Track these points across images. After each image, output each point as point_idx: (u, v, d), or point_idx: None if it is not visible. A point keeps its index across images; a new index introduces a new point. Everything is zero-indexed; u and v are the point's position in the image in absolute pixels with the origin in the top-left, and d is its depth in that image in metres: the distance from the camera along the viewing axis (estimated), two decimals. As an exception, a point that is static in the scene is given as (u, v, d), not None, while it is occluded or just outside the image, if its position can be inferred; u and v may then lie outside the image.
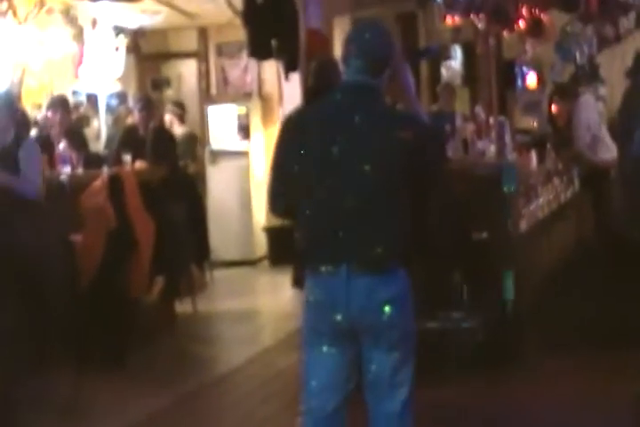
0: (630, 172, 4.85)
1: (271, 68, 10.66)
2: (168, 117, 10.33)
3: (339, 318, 3.44)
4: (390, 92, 3.62)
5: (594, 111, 9.50)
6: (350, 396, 3.59)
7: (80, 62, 10.08)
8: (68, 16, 9.48)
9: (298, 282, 6.47)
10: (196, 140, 10.75)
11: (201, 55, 12.02)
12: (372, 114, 3.48)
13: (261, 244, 10.88)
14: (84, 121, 9.79)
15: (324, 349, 3.51)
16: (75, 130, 8.81)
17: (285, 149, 3.56)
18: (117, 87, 11.10)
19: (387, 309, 3.41)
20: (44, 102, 8.93)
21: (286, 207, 3.60)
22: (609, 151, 9.25)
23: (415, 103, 3.71)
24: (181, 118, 10.47)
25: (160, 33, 11.60)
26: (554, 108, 10.38)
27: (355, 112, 3.47)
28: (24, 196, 5.91)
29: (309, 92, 6.21)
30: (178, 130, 10.24)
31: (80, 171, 7.66)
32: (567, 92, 9.82)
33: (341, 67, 3.65)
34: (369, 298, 3.40)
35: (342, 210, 3.42)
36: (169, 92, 12.16)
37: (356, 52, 3.53)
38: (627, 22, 11.28)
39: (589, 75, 10.88)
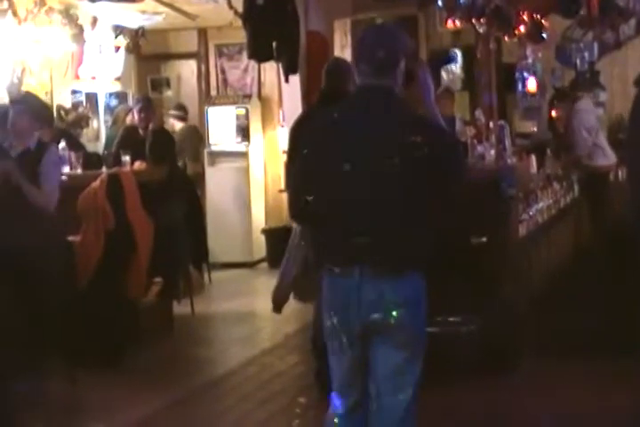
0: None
1: (271, 69, 10.67)
2: (171, 122, 10.34)
3: (350, 318, 3.48)
4: (408, 95, 3.62)
5: (592, 116, 9.51)
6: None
7: (80, 62, 10.07)
8: (68, 16, 9.46)
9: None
10: (198, 133, 10.76)
11: (201, 56, 12.03)
12: (384, 118, 3.47)
13: (260, 246, 10.88)
14: (84, 121, 9.77)
15: (340, 347, 3.56)
16: (66, 131, 8.79)
17: (305, 154, 3.62)
18: (117, 87, 11.10)
19: (396, 311, 3.43)
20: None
21: (307, 210, 3.61)
22: (606, 157, 9.26)
23: (432, 107, 3.67)
24: (184, 119, 10.48)
25: (160, 33, 11.59)
26: (554, 112, 10.41)
27: (368, 117, 3.48)
28: (37, 207, 5.94)
29: (322, 94, 6.17)
30: (178, 125, 10.28)
31: (79, 171, 7.65)
32: (567, 96, 9.83)
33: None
34: (379, 300, 3.43)
35: (357, 214, 3.44)
36: (168, 93, 12.16)
37: (360, 56, 3.57)
38: (627, 29, 11.28)
39: (590, 81, 10.88)
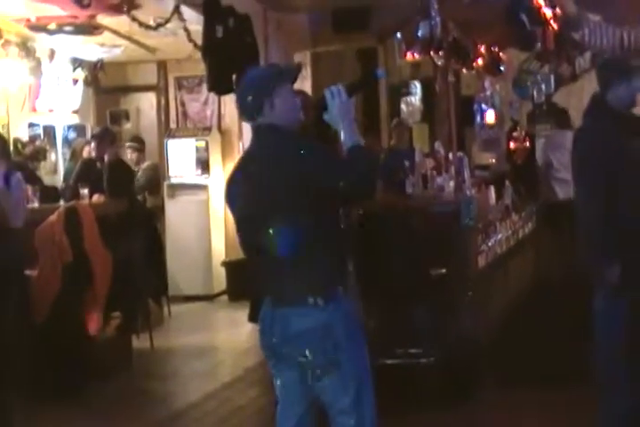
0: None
1: (231, 102, 10.66)
2: (129, 155, 10.24)
3: (267, 344, 3.66)
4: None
5: (546, 151, 9.62)
6: (312, 414, 3.71)
7: (37, 95, 10.01)
8: (26, 48, 9.42)
9: (253, 317, 6.43)
10: (159, 170, 10.72)
11: (160, 89, 12.01)
12: (265, 156, 3.59)
13: (220, 278, 10.81)
14: (41, 154, 9.70)
15: (274, 369, 3.72)
16: (23, 164, 8.71)
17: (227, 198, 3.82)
18: (75, 120, 11.05)
19: (300, 340, 3.54)
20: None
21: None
22: (553, 194, 9.38)
23: (347, 131, 3.56)
24: (140, 151, 10.38)
25: (119, 66, 11.56)
26: (512, 144, 10.52)
27: (253, 156, 3.69)
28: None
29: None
30: (142, 164, 10.21)
31: (35, 204, 7.59)
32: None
33: None
34: (285, 329, 3.56)
35: (262, 251, 3.57)
36: (127, 126, 12.12)
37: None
38: (583, 62, 11.45)
39: (546, 113, 11.01)
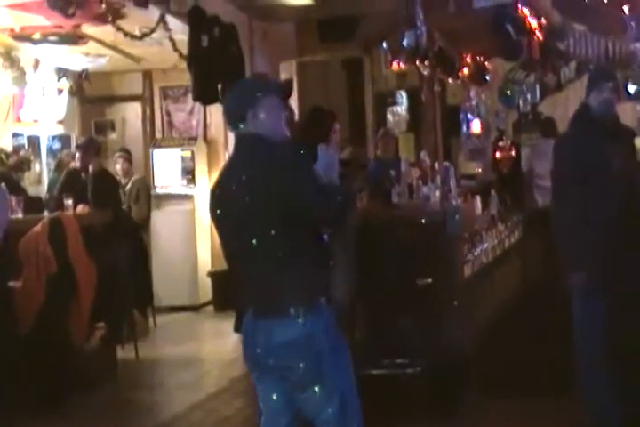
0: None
1: (217, 111, 10.64)
2: (119, 165, 10.15)
3: (250, 355, 3.64)
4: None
5: (532, 159, 9.66)
6: (296, 425, 3.70)
7: (21, 105, 9.97)
8: (10, 58, 9.38)
9: (239, 327, 6.41)
10: (148, 186, 10.68)
11: (146, 98, 11.98)
12: (242, 164, 3.58)
13: (206, 289, 10.78)
14: (25, 164, 9.64)
15: (257, 381, 3.71)
16: (7, 174, 8.67)
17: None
18: (60, 130, 11.00)
19: (283, 351, 3.53)
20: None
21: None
22: (533, 202, 9.44)
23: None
24: (128, 161, 10.32)
25: (104, 76, 11.52)
26: (498, 154, 10.54)
27: (235, 166, 3.66)
28: None
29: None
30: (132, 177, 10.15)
31: (19, 215, 7.55)
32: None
33: None
34: (268, 340, 3.55)
35: (244, 262, 3.61)
36: (113, 136, 12.08)
37: None
38: (568, 71, 11.50)
39: (532, 122, 11.03)
